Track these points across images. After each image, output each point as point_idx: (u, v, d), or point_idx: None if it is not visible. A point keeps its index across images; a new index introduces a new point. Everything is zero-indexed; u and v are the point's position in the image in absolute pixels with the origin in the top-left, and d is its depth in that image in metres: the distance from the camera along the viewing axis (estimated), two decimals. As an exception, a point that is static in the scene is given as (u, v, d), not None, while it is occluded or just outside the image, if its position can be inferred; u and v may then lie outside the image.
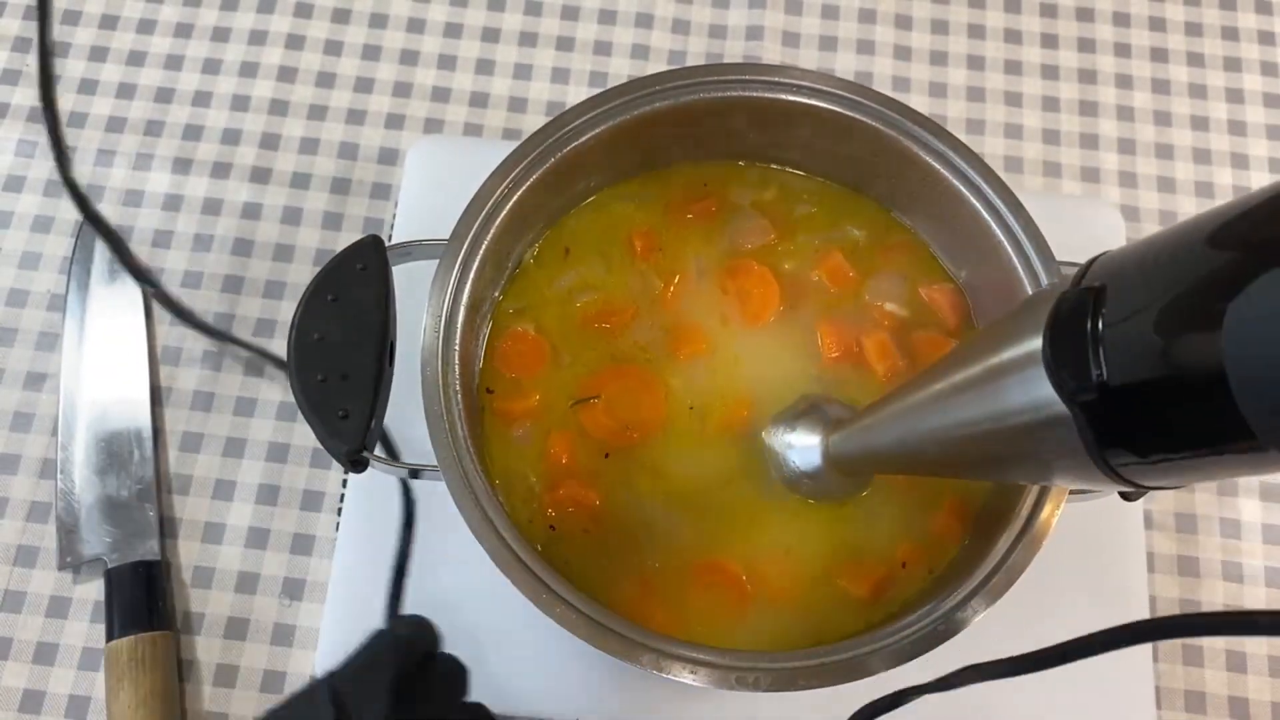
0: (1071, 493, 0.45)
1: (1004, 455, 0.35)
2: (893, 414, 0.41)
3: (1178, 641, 0.58)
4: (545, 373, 0.52)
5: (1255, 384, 0.23)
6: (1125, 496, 0.46)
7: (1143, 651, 0.57)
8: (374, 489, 0.58)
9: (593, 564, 0.49)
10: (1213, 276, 0.25)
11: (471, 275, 0.49)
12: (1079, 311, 0.28)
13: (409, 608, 0.50)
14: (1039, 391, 0.30)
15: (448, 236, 0.49)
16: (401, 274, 0.48)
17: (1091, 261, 0.31)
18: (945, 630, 0.44)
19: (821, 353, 0.53)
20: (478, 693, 0.55)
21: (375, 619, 0.56)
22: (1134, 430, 0.28)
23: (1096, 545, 0.58)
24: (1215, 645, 0.59)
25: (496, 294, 0.53)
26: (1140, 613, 0.57)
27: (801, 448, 0.48)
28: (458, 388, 0.47)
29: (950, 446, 0.38)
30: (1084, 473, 0.30)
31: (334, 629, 0.55)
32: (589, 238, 0.55)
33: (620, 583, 0.49)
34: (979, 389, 0.34)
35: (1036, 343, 0.30)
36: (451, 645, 0.55)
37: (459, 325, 0.48)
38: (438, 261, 0.49)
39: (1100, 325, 0.28)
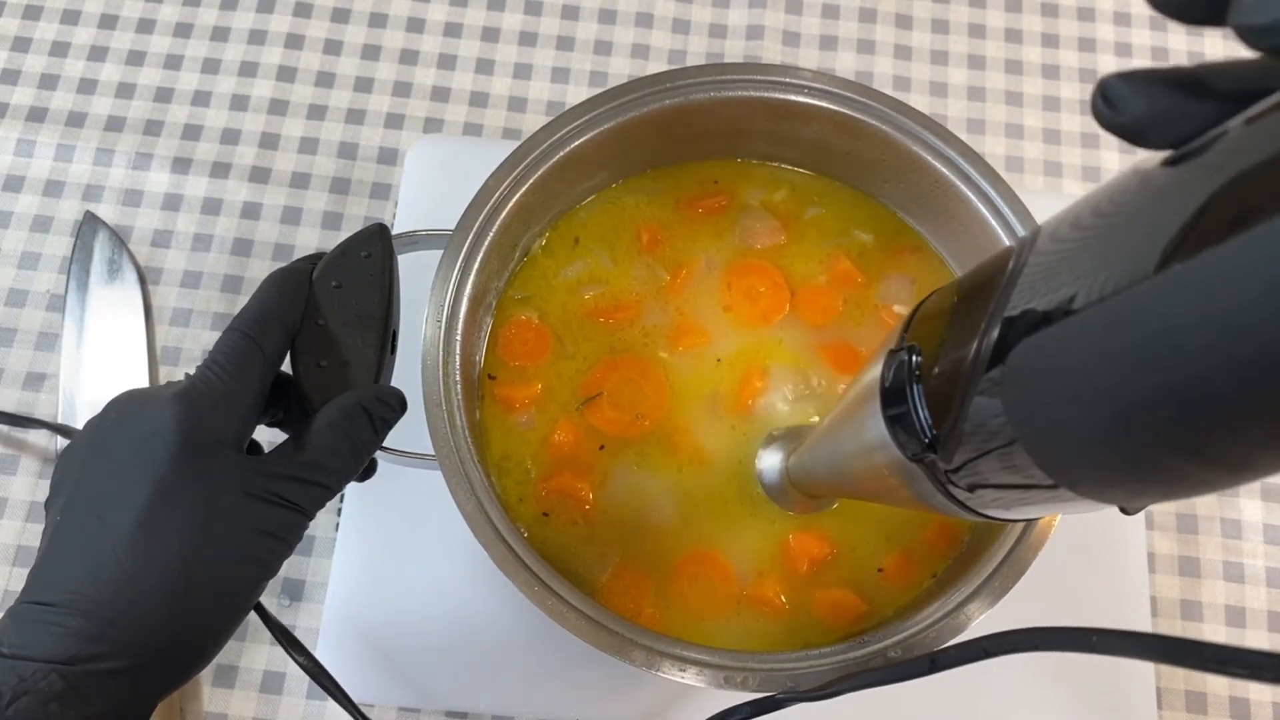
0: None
1: (883, 486, 0.35)
2: (814, 440, 0.42)
3: (1178, 642, 0.58)
4: (549, 361, 0.52)
5: (1033, 438, 0.24)
6: (1124, 510, 0.46)
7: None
8: (374, 489, 0.58)
9: (582, 551, 0.49)
10: (986, 338, 0.25)
11: (476, 266, 0.49)
12: (899, 375, 0.29)
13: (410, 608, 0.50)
14: (883, 429, 0.31)
15: (453, 227, 0.49)
16: (406, 264, 0.48)
17: (916, 309, 0.31)
18: (944, 633, 0.44)
19: (825, 355, 0.53)
20: (477, 694, 0.55)
21: (374, 620, 0.56)
22: (968, 477, 0.28)
23: (1097, 545, 0.58)
24: (1216, 645, 0.59)
25: (500, 285, 0.53)
26: (1141, 613, 0.57)
27: (768, 468, 0.49)
28: (458, 378, 0.47)
29: (849, 476, 0.38)
30: (942, 504, 0.31)
31: (334, 629, 0.55)
32: (598, 229, 0.55)
33: (608, 572, 0.49)
34: (850, 421, 0.35)
35: (877, 377, 0.31)
36: (451, 644, 0.55)
37: (461, 316, 0.48)
38: (442, 252, 0.49)
39: (916, 387, 0.29)
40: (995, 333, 0.25)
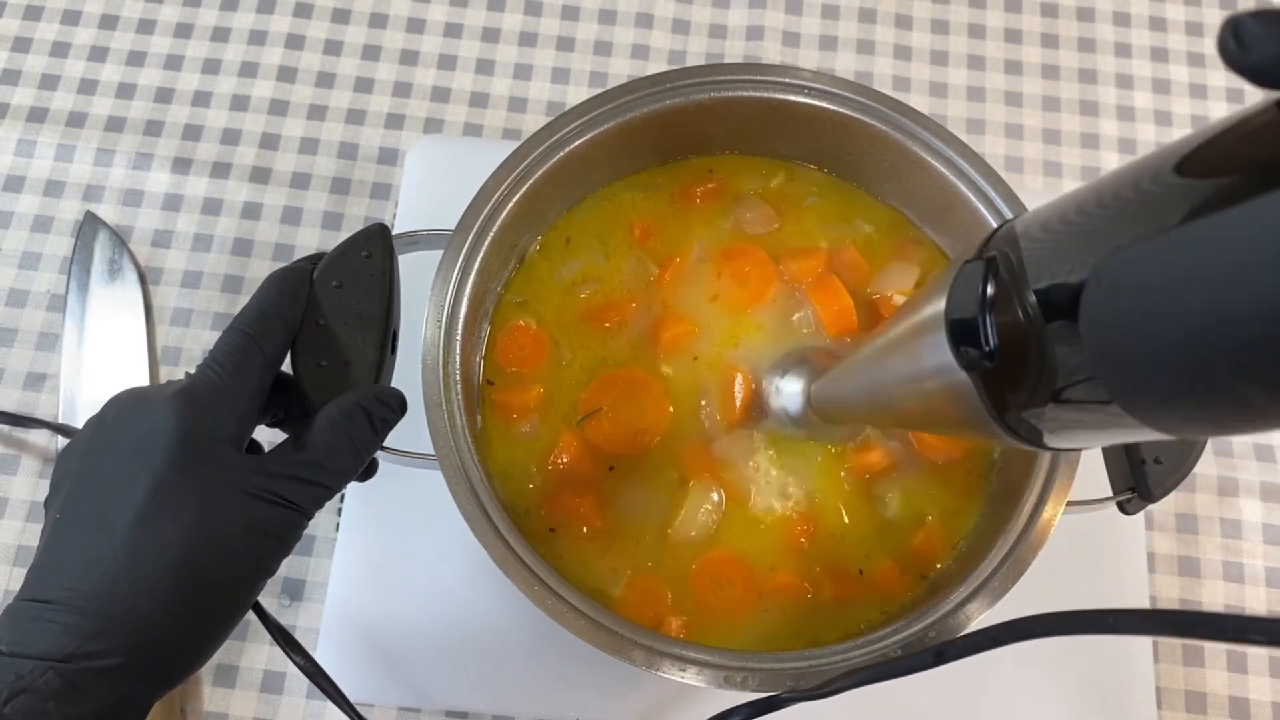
0: (1069, 504, 0.46)
1: (930, 413, 0.36)
2: (849, 367, 0.42)
3: (1178, 642, 0.58)
4: (546, 368, 0.52)
5: (1107, 353, 0.24)
6: (1123, 509, 0.46)
7: (1144, 651, 0.57)
8: (374, 489, 0.58)
9: (594, 565, 0.49)
10: (1072, 256, 0.26)
11: (476, 266, 0.49)
12: (971, 282, 0.29)
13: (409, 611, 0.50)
14: (945, 355, 0.31)
15: (453, 227, 0.49)
16: (406, 264, 0.48)
17: (999, 228, 0.31)
18: (946, 631, 0.44)
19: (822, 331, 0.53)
20: (477, 694, 0.55)
21: (374, 620, 0.56)
22: (1023, 395, 0.29)
23: (1097, 545, 0.58)
24: (1216, 645, 0.59)
25: (500, 286, 0.53)
26: (1141, 613, 0.57)
27: (789, 393, 0.49)
28: (458, 378, 0.47)
29: (891, 403, 0.39)
30: (991, 431, 0.31)
31: (334, 629, 0.55)
32: (591, 227, 0.55)
33: (622, 585, 0.49)
34: (902, 348, 0.35)
35: (942, 305, 0.31)
36: (451, 644, 0.55)
37: (461, 315, 0.48)
38: (442, 252, 0.49)
39: (990, 296, 0.29)
40: (1077, 255, 0.25)
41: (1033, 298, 0.27)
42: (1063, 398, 0.27)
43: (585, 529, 0.49)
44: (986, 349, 0.29)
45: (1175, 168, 0.23)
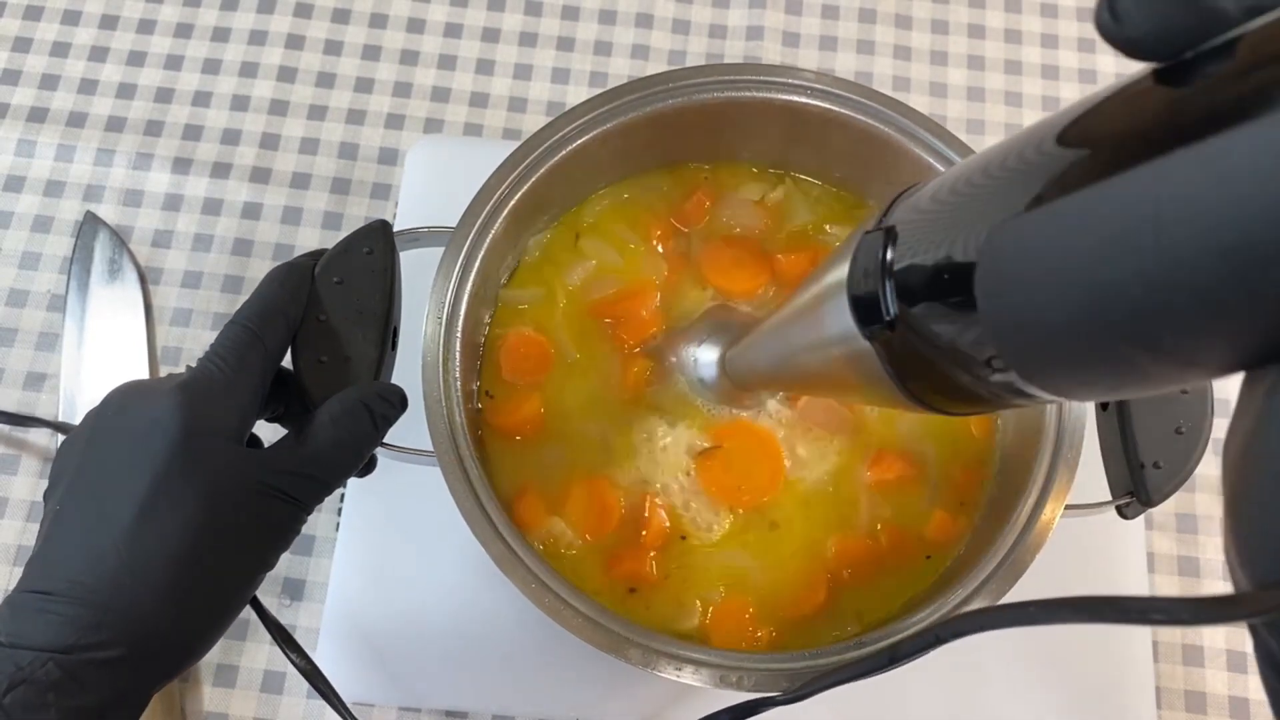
0: (1068, 507, 0.46)
1: (835, 379, 0.36)
2: (760, 334, 0.43)
3: (1177, 641, 0.59)
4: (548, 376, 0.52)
5: (1002, 324, 0.25)
6: (1122, 513, 0.46)
7: (1143, 651, 0.57)
8: (374, 489, 0.58)
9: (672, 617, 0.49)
10: (965, 223, 0.26)
11: (477, 263, 0.49)
12: (870, 252, 0.30)
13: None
14: (847, 322, 0.31)
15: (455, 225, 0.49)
16: (407, 261, 0.48)
17: (896, 197, 0.32)
18: (945, 633, 0.44)
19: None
20: (477, 694, 0.55)
21: (374, 620, 0.56)
22: (922, 362, 0.29)
23: (1097, 545, 0.58)
24: (1216, 645, 0.59)
25: (502, 283, 0.53)
26: (1140, 613, 0.57)
27: (705, 362, 0.50)
28: (458, 375, 0.47)
29: (798, 369, 0.39)
30: (896, 398, 0.32)
31: (334, 629, 0.55)
32: (597, 228, 0.55)
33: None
34: (807, 315, 0.36)
35: (844, 274, 0.32)
36: (451, 644, 0.55)
37: (462, 313, 0.48)
38: (443, 249, 0.49)
39: (889, 265, 0.29)
40: (971, 221, 0.26)
41: (926, 272, 0.28)
42: (961, 366, 0.28)
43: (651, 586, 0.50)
44: (887, 318, 0.29)
45: (1057, 138, 0.24)
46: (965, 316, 0.26)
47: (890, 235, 0.29)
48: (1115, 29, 0.21)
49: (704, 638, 0.48)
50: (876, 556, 0.50)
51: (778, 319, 0.40)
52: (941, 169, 0.50)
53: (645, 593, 0.49)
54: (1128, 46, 0.21)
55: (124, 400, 0.39)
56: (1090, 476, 0.47)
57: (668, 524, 0.50)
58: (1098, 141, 0.23)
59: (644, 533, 0.49)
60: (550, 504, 0.50)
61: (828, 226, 0.56)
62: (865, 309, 0.30)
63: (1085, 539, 0.57)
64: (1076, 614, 0.26)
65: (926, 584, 0.49)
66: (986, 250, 0.25)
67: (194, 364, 0.40)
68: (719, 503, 0.50)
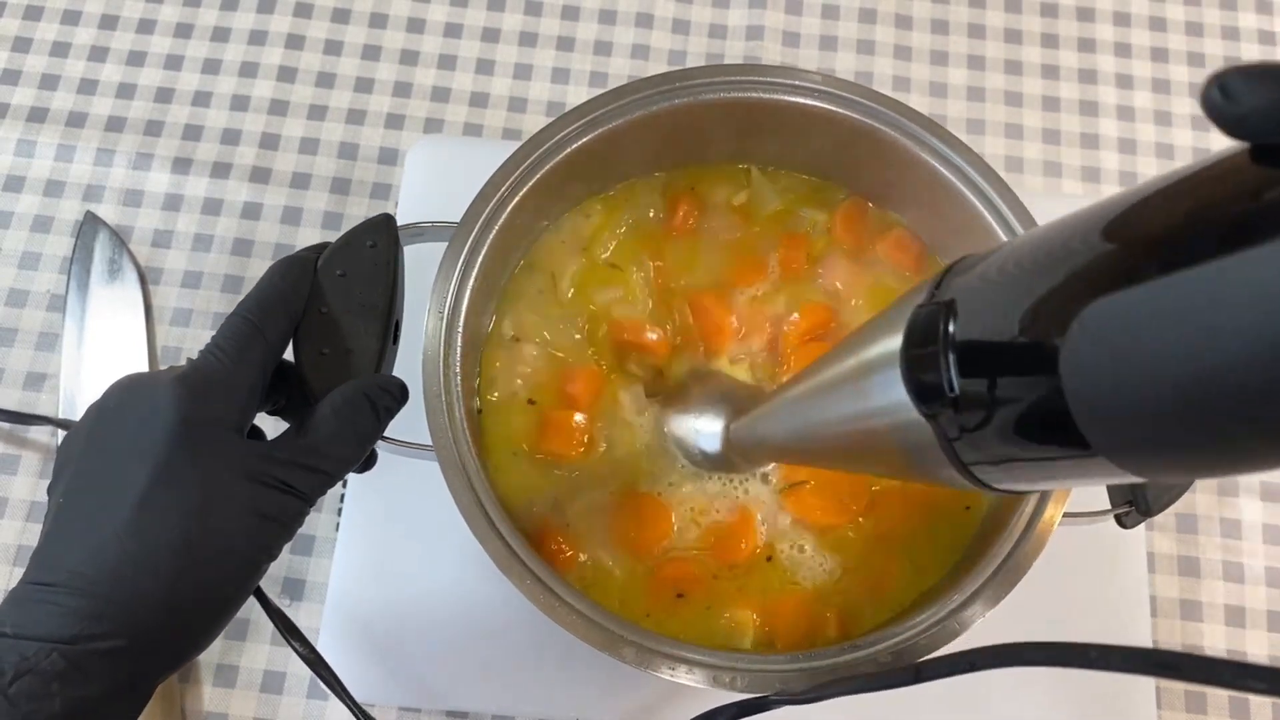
0: (1066, 514, 0.46)
1: (875, 453, 0.35)
2: (780, 406, 0.41)
3: (1177, 641, 0.59)
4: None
5: (1089, 407, 0.24)
6: (1120, 523, 0.46)
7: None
8: (374, 487, 0.58)
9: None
10: (1049, 300, 0.25)
11: (480, 260, 0.49)
12: (930, 327, 0.29)
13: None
14: (900, 394, 0.30)
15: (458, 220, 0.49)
16: (410, 256, 0.48)
17: (949, 269, 0.31)
18: (943, 634, 0.44)
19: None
20: (477, 694, 0.55)
21: (374, 620, 0.56)
22: (986, 439, 0.28)
23: (1096, 546, 0.58)
24: (1216, 645, 0.59)
25: (504, 281, 0.53)
26: (1141, 613, 0.57)
27: (708, 434, 0.49)
28: (458, 370, 0.47)
29: (829, 443, 0.38)
30: (947, 475, 0.31)
31: (334, 629, 0.55)
32: (596, 227, 0.55)
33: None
34: (849, 387, 0.34)
35: (897, 343, 0.31)
36: (451, 644, 0.55)
37: (464, 308, 0.48)
38: (446, 244, 0.49)
39: (951, 340, 0.28)
40: (1053, 298, 0.25)
41: (996, 349, 0.27)
42: (1031, 445, 0.27)
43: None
44: (949, 394, 0.28)
45: (1148, 214, 0.23)
46: (1041, 394, 0.25)
47: (950, 309, 0.28)
48: (1224, 106, 0.21)
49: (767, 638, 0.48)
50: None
51: (805, 390, 0.38)
52: (941, 169, 0.50)
53: (694, 596, 0.49)
54: (1234, 124, 0.21)
55: (124, 393, 0.39)
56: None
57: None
58: (1201, 218, 0.22)
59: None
60: (588, 530, 0.50)
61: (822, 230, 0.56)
62: (923, 384, 0.29)
63: (1084, 539, 0.57)
64: (1145, 666, 0.26)
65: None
66: (1077, 329, 0.23)
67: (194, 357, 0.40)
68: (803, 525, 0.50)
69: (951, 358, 0.28)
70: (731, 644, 0.48)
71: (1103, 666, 0.27)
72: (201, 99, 0.68)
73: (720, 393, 0.50)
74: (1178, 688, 0.58)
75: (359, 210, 0.66)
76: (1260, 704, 0.57)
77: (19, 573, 0.57)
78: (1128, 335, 0.22)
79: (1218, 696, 0.57)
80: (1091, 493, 0.48)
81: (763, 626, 0.48)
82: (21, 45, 0.69)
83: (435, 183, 0.64)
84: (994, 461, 0.29)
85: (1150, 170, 0.69)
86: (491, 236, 0.49)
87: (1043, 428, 0.26)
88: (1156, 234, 0.23)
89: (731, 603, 0.49)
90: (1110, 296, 0.23)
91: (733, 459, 0.49)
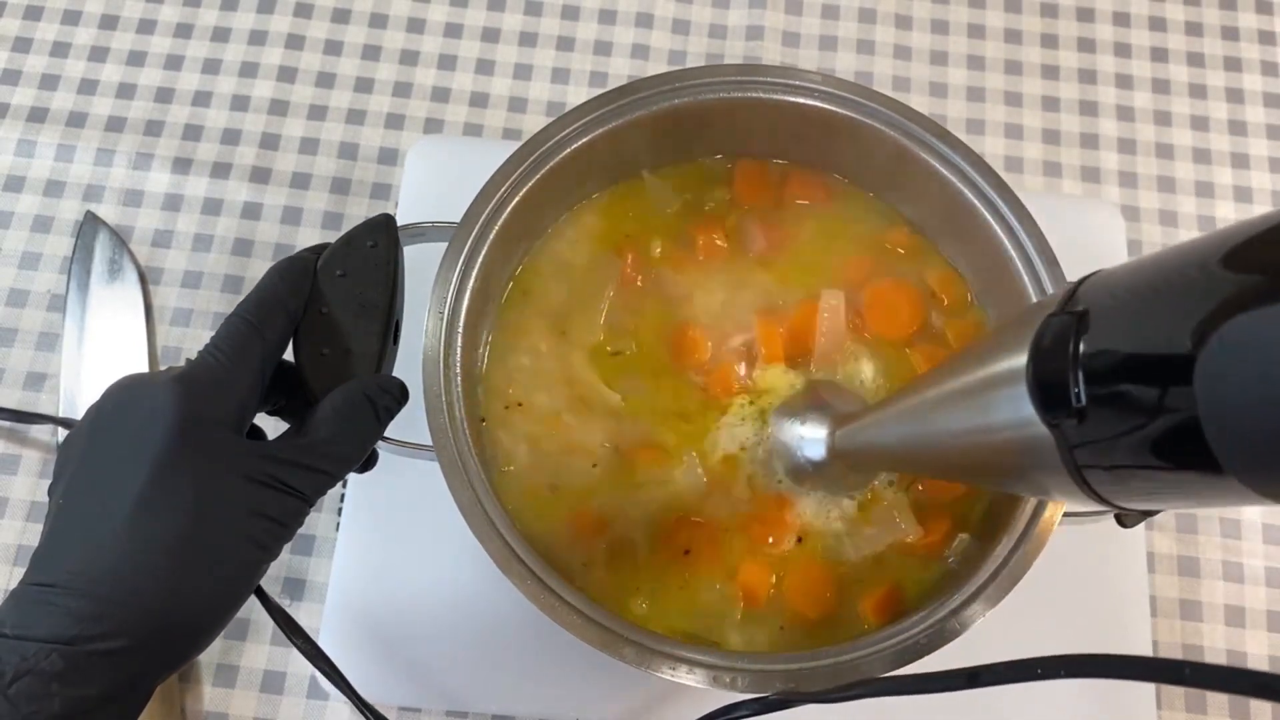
0: (1066, 514, 0.46)
1: (991, 466, 0.35)
2: (893, 415, 0.41)
3: (1177, 641, 0.59)
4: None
5: (1223, 424, 0.23)
6: (1120, 522, 0.46)
7: (1142, 650, 0.57)
8: (375, 487, 0.58)
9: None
10: (1189, 313, 0.25)
11: (480, 260, 0.49)
12: (1061, 337, 0.29)
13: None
14: (1023, 409, 0.30)
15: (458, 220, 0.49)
16: (410, 256, 0.48)
17: (1081, 281, 0.31)
18: (944, 634, 0.44)
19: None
20: (477, 693, 0.55)
21: (374, 619, 0.56)
22: (1110, 454, 0.28)
23: (1097, 546, 0.58)
24: (1215, 645, 0.59)
25: (506, 281, 0.53)
26: (1141, 613, 0.57)
27: (811, 440, 0.48)
28: (458, 370, 0.47)
29: (943, 453, 0.38)
30: (1066, 489, 0.31)
31: (334, 628, 0.55)
32: (596, 226, 0.55)
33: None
34: (969, 400, 0.34)
35: (1022, 360, 0.30)
36: (451, 644, 0.55)
37: (464, 308, 0.48)
38: (447, 244, 0.49)
39: (1081, 352, 0.28)
40: (1193, 311, 0.24)
41: (1130, 362, 0.27)
42: (1158, 461, 0.27)
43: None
44: (1076, 405, 0.28)
45: None
46: (1173, 409, 0.25)
47: (1083, 319, 0.28)
48: None
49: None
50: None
51: (925, 399, 0.38)
52: (941, 169, 0.50)
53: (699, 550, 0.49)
54: None
55: (123, 393, 0.39)
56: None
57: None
58: None
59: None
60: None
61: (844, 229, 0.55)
62: (1050, 396, 0.29)
63: (1085, 539, 0.57)
64: (1244, 686, 0.25)
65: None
66: (1216, 344, 0.23)
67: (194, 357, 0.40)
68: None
69: (1081, 367, 0.28)
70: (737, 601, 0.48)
71: (1196, 684, 0.27)
72: (202, 99, 0.68)
73: (819, 400, 0.50)
74: (1178, 687, 0.57)
75: (359, 210, 0.66)
76: (1260, 704, 0.57)
77: (19, 573, 0.57)
78: (1270, 351, 0.22)
79: (1218, 696, 0.57)
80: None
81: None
82: (22, 45, 0.69)
83: (435, 183, 0.64)
84: (1115, 477, 0.29)
85: (1150, 170, 0.69)
86: (491, 237, 0.49)
87: (1172, 444, 0.26)
88: None
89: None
90: (1255, 311, 0.22)
91: (836, 467, 0.48)
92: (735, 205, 0.55)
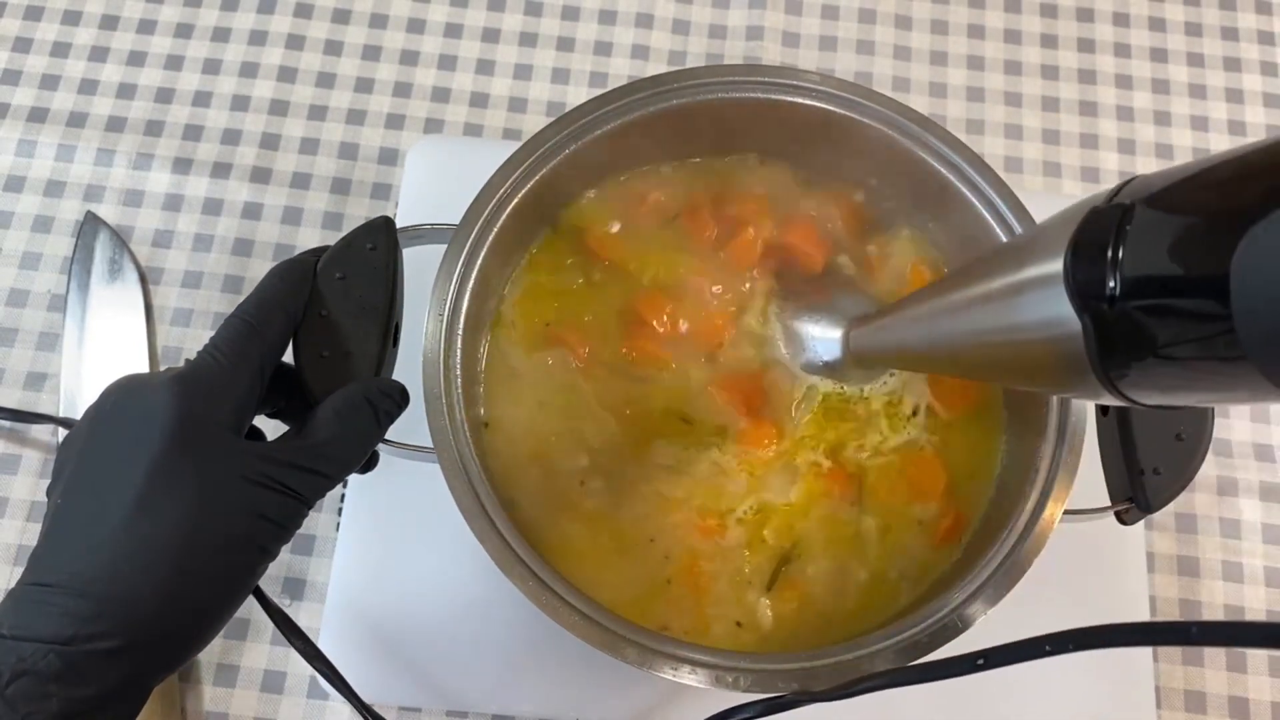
0: (1067, 512, 0.46)
1: (1012, 363, 0.36)
2: (914, 316, 0.43)
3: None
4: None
5: (1255, 315, 0.24)
6: (1121, 520, 0.46)
7: (1143, 650, 0.57)
8: (375, 488, 0.58)
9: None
10: (1230, 208, 0.26)
11: (479, 262, 0.49)
12: (1105, 225, 0.30)
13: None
14: (1055, 309, 0.31)
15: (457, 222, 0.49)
16: (409, 258, 0.48)
17: (1126, 182, 0.32)
18: (945, 632, 0.44)
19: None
20: (477, 693, 0.55)
21: (374, 620, 0.56)
22: (1137, 344, 0.29)
23: (1097, 545, 0.58)
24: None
25: (506, 281, 0.53)
26: (1141, 613, 0.58)
27: (825, 339, 0.50)
28: (458, 372, 0.47)
29: (965, 352, 0.39)
30: (1085, 385, 0.32)
31: (334, 628, 0.55)
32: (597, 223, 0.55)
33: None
34: (998, 302, 0.35)
35: (1058, 264, 0.31)
36: (451, 643, 0.55)
37: (464, 310, 0.48)
38: (446, 246, 0.49)
39: (1122, 241, 0.29)
40: (1231, 210, 0.25)
41: (1169, 251, 0.27)
42: (1184, 354, 0.28)
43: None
44: (1110, 292, 0.29)
45: None
46: (1208, 298, 0.26)
47: (1127, 213, 0.29)
48: None
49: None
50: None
51: (950, 301, 0.39)
52: (941, 169, 0.50)
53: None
54: None
55: (121, 393, 0.39)
56: (1089, 481, 0.47)
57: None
58: None
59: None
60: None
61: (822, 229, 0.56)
62: (1085, 281, 0.30)
63: (1085, 538, 0.57)
64: (1254, 638, 0.27)
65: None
66: (1255, 235, 0.24)
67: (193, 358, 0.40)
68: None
69: (1121, 256, 0.29)
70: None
71: (1202, 641, 0.28)
72: (202, 99, 0.68)
73: (831, 299, 0.52)
74: (1178, 687, 0.58)
75: (359, 210, 0.66)
76: (1260, 703, 0.58)
77: (19, 573, 0.57)
78: None
79: (1218, 696, 0.57)
80: (1092, 490, 0.48)
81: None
82: (22, 45, 0.69)
83: (435, 183, 0.64)
84: (1140, 369, 0.30)
85: (1150, 170, 0.69)
86: (491, 238, 0.49)
87: (1202, 334, 0.27)
88: None
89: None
90: None
91: (850, 365, 0.50)
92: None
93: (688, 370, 0.52)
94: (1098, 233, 0.30)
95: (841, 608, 0.49)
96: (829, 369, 0.51)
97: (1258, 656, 0.59)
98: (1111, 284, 0.29)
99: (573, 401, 0.51)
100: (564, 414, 0.51)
